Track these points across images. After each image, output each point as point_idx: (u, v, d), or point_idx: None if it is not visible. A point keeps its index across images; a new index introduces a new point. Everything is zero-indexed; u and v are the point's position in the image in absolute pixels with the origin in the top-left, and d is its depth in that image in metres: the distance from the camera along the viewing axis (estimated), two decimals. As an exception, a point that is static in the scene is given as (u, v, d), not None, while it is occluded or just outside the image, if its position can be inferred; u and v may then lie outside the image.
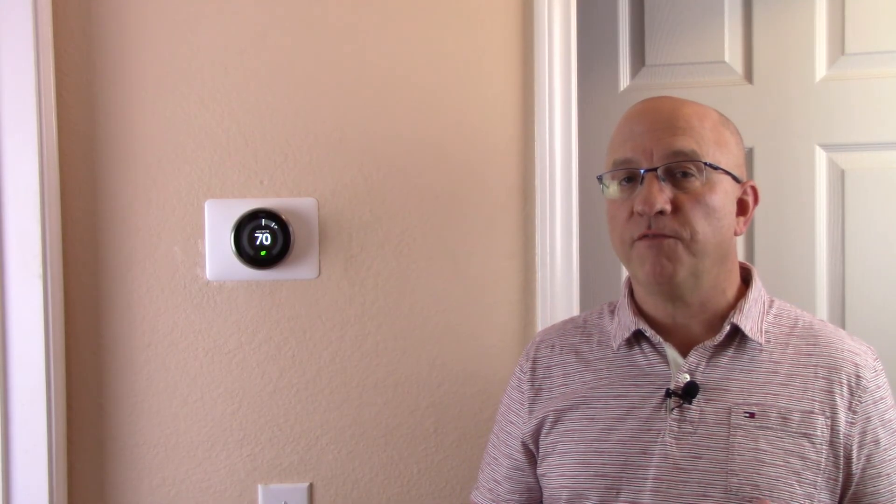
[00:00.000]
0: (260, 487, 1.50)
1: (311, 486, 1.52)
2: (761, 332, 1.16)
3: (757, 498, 1.08)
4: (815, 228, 1.97)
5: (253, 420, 1.50)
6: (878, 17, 1.91)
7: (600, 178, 1.18)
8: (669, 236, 1.11)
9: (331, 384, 1.51)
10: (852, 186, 1.95)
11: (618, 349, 1.20)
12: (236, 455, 1.50)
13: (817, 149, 1.97)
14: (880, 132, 1.93)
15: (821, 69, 1.96)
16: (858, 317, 1.94)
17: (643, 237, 1.12)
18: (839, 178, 1.96)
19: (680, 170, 1.12)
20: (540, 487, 1.24)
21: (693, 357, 1.15)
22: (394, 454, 1.53)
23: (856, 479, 1.12)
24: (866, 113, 1.93)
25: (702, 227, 1.11)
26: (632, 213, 1.13)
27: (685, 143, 1.12)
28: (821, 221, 1.97)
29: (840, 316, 1.96)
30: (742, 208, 1.18)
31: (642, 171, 1.12)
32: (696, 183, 1.12)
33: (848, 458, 1.11)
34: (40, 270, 1.41)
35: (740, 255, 2.03)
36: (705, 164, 1.12)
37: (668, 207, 1.10)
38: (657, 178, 1.11)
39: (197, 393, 1.49)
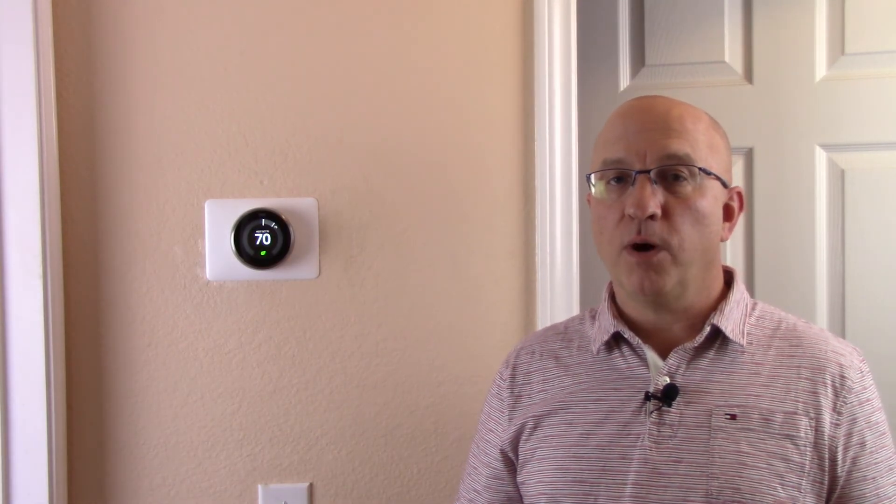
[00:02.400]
0: (260, 487, 1.50)
1: (311, 486, 1.52)
2: (743, 333, 1.14)
3: (738, 501, 1.05)
4: (815, 228, 1.97)
5: (253, 420, 1.50)
6: (878, 17, 1.91)
7: (589, 178, 1.16)
8: (658, 248, 1.09)
9: (331, 384, 1.51)
10: (852, 186, 1.95)
11: (597, 353, 1.18)
12: (236, 455, 1.50)
13: (817, 149, 1.97)
14: (880, 132, 1.93)
15: (821, 69, 1.96)
16: (858, 317, 1.94)
17: (633, 248, 1.10)
18: (839, 178, 1.96)
19: (672, 173, 1.10)
20: (520, 497, 1.21)
21: (672, 359, 1.12)
22: (394, 454, 1.53)
23: (841, 481, 1.09)
24: (866, 113, 1.93)
25: (690, 234, 1.09)
26: (622, 217, 1.10)
27: (680, 146, 1.10)
28: (821, 221, 1.96)
29: (840, 316, 1.96)
30: (728, 214, 1.16)
31: (634, 172, 1.10)
32: (687, 188, 1.10)
33: (833, 461, 1.08)
34: (40, 270, 1.40)
35: (740, 255, 2.05)
36: (699, 168, 1.10)
37: (659, 212, 1.08)
38: (650, 181, 1.09)
39: (197, 393, 1.49)
